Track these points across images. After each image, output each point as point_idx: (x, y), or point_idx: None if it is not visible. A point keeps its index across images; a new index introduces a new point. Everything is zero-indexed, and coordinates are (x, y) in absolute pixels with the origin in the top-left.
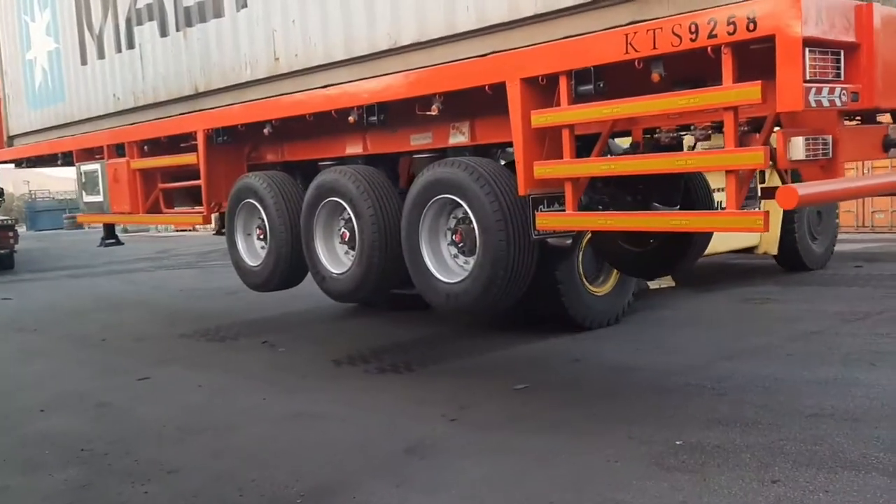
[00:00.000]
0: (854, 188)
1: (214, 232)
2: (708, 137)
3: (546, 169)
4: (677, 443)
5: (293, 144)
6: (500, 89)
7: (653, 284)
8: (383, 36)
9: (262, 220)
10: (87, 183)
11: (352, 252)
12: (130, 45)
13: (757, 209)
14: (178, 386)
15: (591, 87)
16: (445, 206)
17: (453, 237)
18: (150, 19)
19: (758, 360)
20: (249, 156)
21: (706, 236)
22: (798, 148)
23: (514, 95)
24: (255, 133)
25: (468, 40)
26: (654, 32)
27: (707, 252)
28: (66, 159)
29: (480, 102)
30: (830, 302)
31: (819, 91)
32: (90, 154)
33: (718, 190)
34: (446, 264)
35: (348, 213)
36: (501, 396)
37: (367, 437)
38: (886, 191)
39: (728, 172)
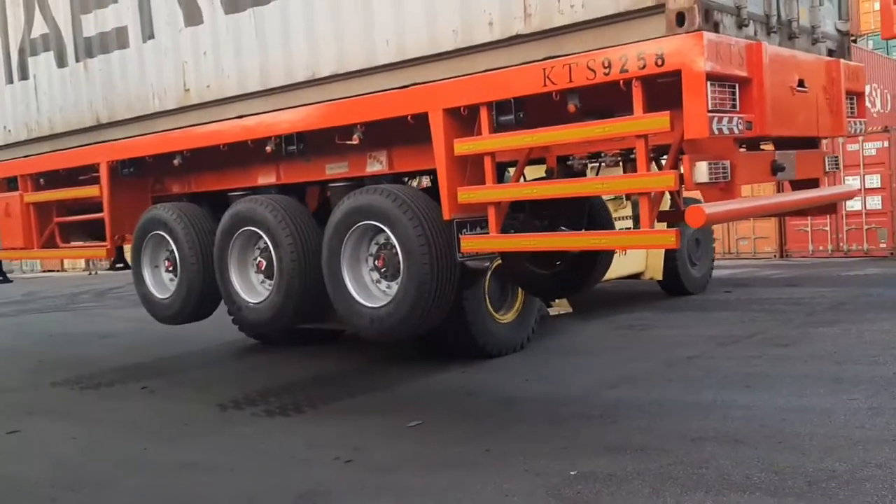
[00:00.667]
0: (753, 207)
1: (109, 267)
2: (618, 164)
3: (470, 194)
4: (572, 473)
5: (201, 175)
6: (421, 119)
7: (552, 311)
8: (301, 68)
9: (172, 252)
10: None
11: (268, 281)
12: (24, 76)
13: None
14: (49, 439)
15: (511, 117)
16: (367, 232)
17: (375, 263)
18: (46, 50)
19: (642, 386)
20: (154, 188)
21: (608, 260)
22: (702, 172)
23: (437, 125)
24: (162, 164)
25: (388, 72)
26: (570, 67)
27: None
28: None
29: (398, 132)
30: (705, 326)
31: (720, 120)
32: None
33: (619, 219)
34: (368, 289)
35: (265, 242)
36: (396, 435)
37: (256, 486)
38: (778, 210)
39: (641, 195)
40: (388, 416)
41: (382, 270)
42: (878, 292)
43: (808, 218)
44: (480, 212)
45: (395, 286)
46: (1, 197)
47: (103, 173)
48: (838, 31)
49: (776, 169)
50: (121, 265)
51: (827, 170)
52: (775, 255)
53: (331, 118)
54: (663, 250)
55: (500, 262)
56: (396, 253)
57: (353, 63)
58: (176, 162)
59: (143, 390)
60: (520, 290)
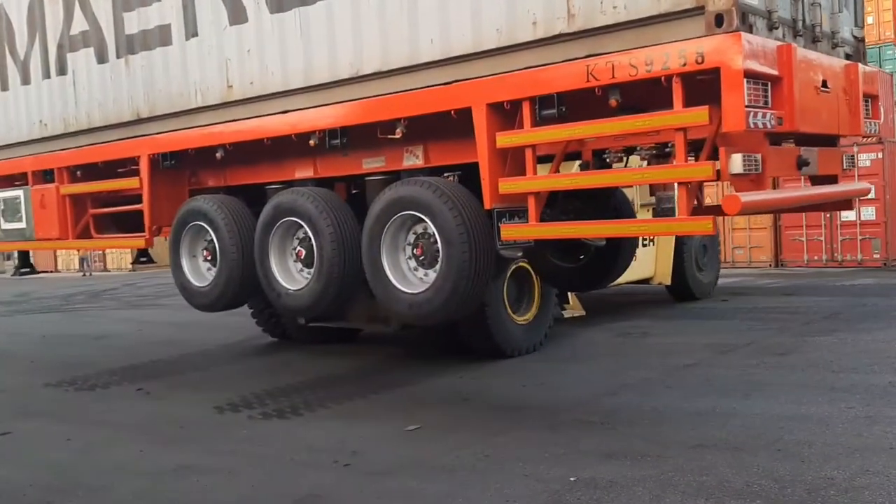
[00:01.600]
0: (782, 199)
1: (133, 260)
2: (653, 158)
3: (511, 184)
4: (572, 479)
5: (237, 169)
6: (460, 114)
7: (566, 314)
8: (345, 65)
9: (211, 242)
10: (7, 210)
11: (307, 270)
12: (62, 72)
13: None
14: (43, 442)
15: (554, 111)
16: (406, 221)
17: (414, 251)
18: (86, 46)
19: (641, 393)
20: (190, 181)
21: (629, 256)
22: (737, 163)
23: (480, 119)
24: (201, 158)
25: (431, 70)
26: (613, 64)
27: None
28: None
29: (434, 127)
30: (702, 335)
31: (755, 115)
32: (7, 181)
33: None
34: (406, 277)
35: (305, 232)
36: (394, 439)
37: (254, 490)
38: (803, 203)
39: (680, 184)
40: (386, 421)
41: (420, 258)
42: (873, 302)
43: (804, 227)
44: (519, 202)
45: (432, 274)
46: (36, 189)
47: (144, 166)
48: (854, 37)
49: (801, 164)
50: (144, 259)
51: (844, 167)
52: (770, 265)
53: (376, 113)
54: (672, 256)
55: (521, 264)
56: (435, 242)
57: (397, 61)
58: (218, 155)
59: (138, 392)
60: (536, 293)
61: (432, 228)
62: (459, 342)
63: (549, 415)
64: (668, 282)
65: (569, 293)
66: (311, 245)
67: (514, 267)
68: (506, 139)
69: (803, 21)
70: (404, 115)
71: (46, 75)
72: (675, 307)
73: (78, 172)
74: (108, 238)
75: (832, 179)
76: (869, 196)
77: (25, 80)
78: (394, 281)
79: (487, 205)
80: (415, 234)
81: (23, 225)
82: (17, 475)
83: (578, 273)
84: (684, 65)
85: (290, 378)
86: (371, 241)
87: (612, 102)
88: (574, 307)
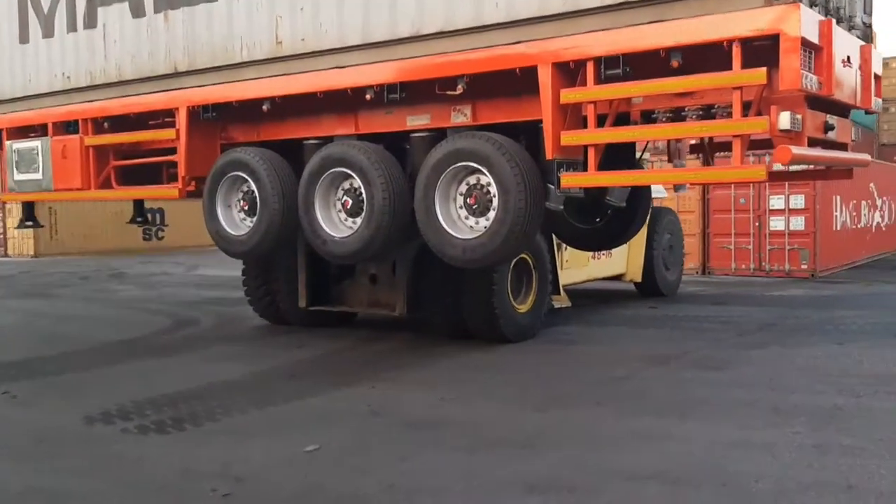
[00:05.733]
0: (820, 155)
1: (129, 220)
2: (701, 118)
3: (574, 137)
4: None
5: (273, 124)
6: (511, 73)
7: (555, 304)
8: (406, 24)
9: (250, 192)
10: (21, 161)
11: (350, 219)
12: (90, 25)
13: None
14: None
15: (619, 70)
16: (459, 173)
17: (467, 200)
18: (120, 0)
19: (570, 410)
20: (221, 135)
21: (642, 220)
22: (786, 120)
23: (545, 77)
24: (242, 111)
25: (494, 31)
26: (678, 28)
27: (586, 278)
28: None
29: (485, 86)
30: (633, 344)
31: (806, 77)
32: (19, 132)
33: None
34: (456, 224)
35: (353, 182)
36: (287, 462)
37: None
38: (833, 162)
39: (735, 136)
40: (282, 439)
41: (474, 207)
42: (805, 314)
43: (732, 236)
44: (576, 154)
45: (483, 221)
46: (57, 140)
47: (182, 117)
48: (863, 23)
49: (828, 128)
50: (140, 219)
51: (853, 138)
52: (697, 272)
53: (442, 69)
54: (643, 254)
55: (521, 256)
56: (488, 192)
57: (461, 21)
58: (265, 108)
59: (3, 396)
60: (534, 283)
61: (487, 178)
62: (465, 328)
63: (468, 434)
64: (639, 279)
65: (560, 286)
66: (359, 195)
67: (515, 259)
68: (571, 95)
69: (830, 2)
70: (469, 73)
71: (73, 28)
72: (603, 313)
73: (105, 124)
74: (138, 189)
75: (843, 146)
76: (799, 206)
77: (48, 33)
78: (447, 228)
79: (549, 155)
80: (467, 184)
81: (38, 176)
82: None
83: (595, 234)
84: (747, 30)
85: (182, 383)
86: (426, 191)
87: (674, 63)
88: (561, 299)
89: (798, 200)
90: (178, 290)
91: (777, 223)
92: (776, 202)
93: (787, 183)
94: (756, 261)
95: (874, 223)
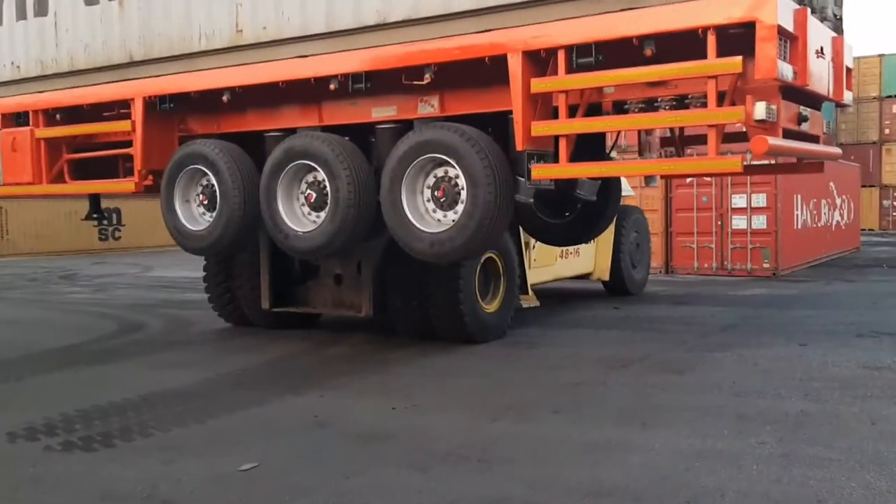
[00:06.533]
0: (793, 147)
1: (84, 217)
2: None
3: (544, 127)
4: None
5: (233, 116)
6: (479, 63)
7: (524, 304)
8: (371, 12)
9: (210, 186)
10: None
11: (314, 213)
12: (41, 13)
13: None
14: None
15: (591, 59)
16: (427, 165)
17: (435, 193)
18: None
19: (526, 418)
20: (179, 127)
21: (611, 215)
22: (762, 110)
23: (516, 66)
24: (200, 102)
25: (463, 19)
26: (651, 15)
27: (554, 277)
28: None
29: (453, 76)
30: (593, 346)
31: (782, 66)
32: None
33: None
34: (423, 218)
35: (317, 175)
36: (221, 482)
37: None
38: (807, 154)
39: (710, 126)
40: (219, 455)
41: (441, 201)
42: (768, 314)
43: (695, 235)
44: (546, 145)
45: (451, 215)
46: (7, 132)
47: (138, 108)
48: (834, 15)
49: (801, 119)
50: (97, 215)
51: (824, 131)
52: (660, 271)
53: (409, 58)
54: (610, 253)
55: (489, 255)
56: (456, 185)
57: (429, 9)
58: (224, 98)
59: None
60: (502, 283)
61: (455, 171)
62: (431, 329)
63: (418, 447)
64: (607, 277)
65: (528, 286)
66: (323, 188)
67: (483, 258)
68: (542, 85)
69: None
70: (437, 62)
71: (22, 16)
72: (563, 315)
73: (57, 116)
74: (92, 183)
75: (815, 139)
76: (760, 204)
77: None
78: (414, 221)
79: (520, 146)
80: (435, 177)
81: None
82: None
83: (564, 229)
84: (722, 18)
85: (119, 393)
86: (392, 184)
87: (648, 52)
88: (529, 299)
89: (760, 199)
90: (129, 292)
91: (739, 222)
92: (738, 201)
93: (748, 181)
94: (718, 260)
95: (833, 222)
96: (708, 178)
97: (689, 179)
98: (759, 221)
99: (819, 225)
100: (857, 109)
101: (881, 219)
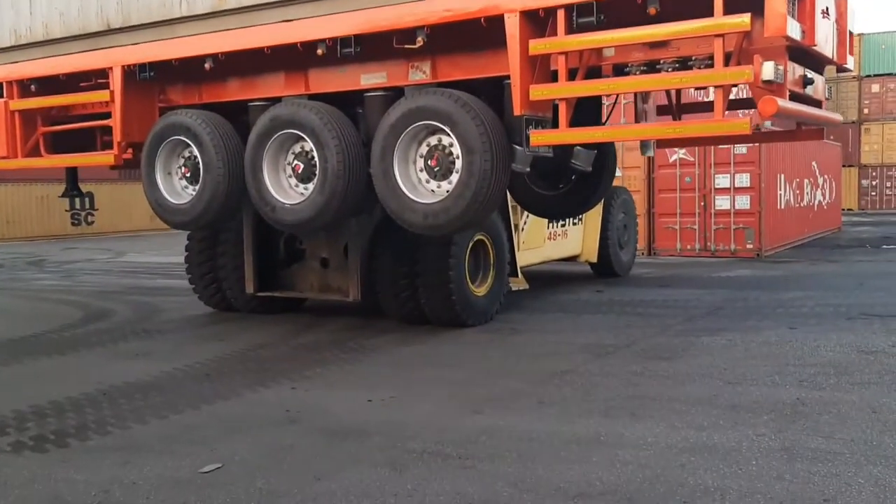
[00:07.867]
0: (798, 109)
1: (61, 195)
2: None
3: (543, 90)
4: None
5: (215, 85)
6: (473, 25)
7: (513, 287)
8: None
9: (193, 158)
10: None
11: (301, 185)
12: None
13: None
14: None
15: (592, 18)
16: (420, 133)
17: (428, 162)
18: None
19: (509, 411)
20: (159, 97)
21: (606, 187)
22: (769, 70)
23: (513, 27)
24: (182, 71)
25: None
26: None
27: (542, 259)
28: None
29: (445, 40)
30: (577, 332)
31: (791, 23)
32: None
33: None
34: (416, 188)
35: (305, 145)
36: (180, 486)
37: None
38: (809, 119)
39: (717, 87)
40: (179, 456)
41: (435, 170)
42: (754, 296)
43: (677, 216)
44: (545, 109)
45: (445, 185)
46: None
47: (117, 78)
48: None
49: (807, 82)
50: (75, 192)
51: (826, 97)
52: (643, 253)
53: (400, 20)
54: (598, 234)
55: (479, 237)
56: (451, 153)
57: None
58: (207, 66)
59: None
60: (492, 266)
61: (450, 139)
62: (420, 313)
63: (395, 443)
64: (595, 259)
65: (518, 269)
66: (311, 159)
67: (473, 241)
68: (540, 46)
69: None
70: (430, 24)
71: None
72: (545, 300)
73: (32, 87)
74: (70, 157)
75: (818, 104)
76: (744, 184)
77: None
78: (406, 192)
79: (517, 111)
80: (428, 145)
81: None
82: None
83: (558, 201)
84: None
85: (78, 387)
86: (384, 153)
87: (652, 11)
88: (519, 282)
89: (743, 179)
90: (98, 278)
91: (722, 202)
92: (721, 181)
93: (732, 160)
94: (702, 241)
95: (816, 202)
96: (691, 158)
97: (671, 159)
98: (743, 201)
99: (802, 205)
100: (836, 89)
101: (860, 198)
